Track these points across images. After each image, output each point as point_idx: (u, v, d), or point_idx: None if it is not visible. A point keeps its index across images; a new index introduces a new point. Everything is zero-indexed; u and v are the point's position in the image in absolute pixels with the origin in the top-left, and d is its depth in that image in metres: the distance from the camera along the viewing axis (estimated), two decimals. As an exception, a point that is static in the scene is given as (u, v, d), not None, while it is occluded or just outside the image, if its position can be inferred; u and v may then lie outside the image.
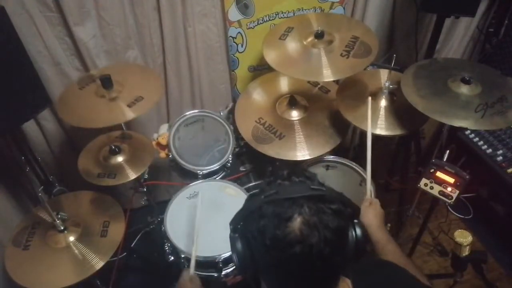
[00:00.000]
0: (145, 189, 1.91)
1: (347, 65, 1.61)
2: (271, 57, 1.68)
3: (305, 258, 0.67)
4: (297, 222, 0.67)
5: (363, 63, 1.61)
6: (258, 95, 1.96)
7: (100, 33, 1.77)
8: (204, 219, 1.57)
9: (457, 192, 1.48)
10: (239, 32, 1.98)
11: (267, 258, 0.71)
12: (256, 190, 0.75)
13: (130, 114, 1.51)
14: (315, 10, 2.06)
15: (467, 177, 1.49)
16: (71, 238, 1.50)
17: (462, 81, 1.50)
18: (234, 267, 1.49)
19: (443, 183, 1.51)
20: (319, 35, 1.69)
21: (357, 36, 1.70)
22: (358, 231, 0.75)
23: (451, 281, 1.71)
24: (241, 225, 0.76)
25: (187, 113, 1.84)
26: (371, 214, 1.28)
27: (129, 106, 1.53)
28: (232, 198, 1.70)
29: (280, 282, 0.74)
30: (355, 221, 0.76)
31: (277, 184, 0.74)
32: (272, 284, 0.77)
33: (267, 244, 0.69)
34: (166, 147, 1.84)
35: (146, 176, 1.87)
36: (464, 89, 1.48)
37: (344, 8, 2.11)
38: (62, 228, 1.50)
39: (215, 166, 1.85)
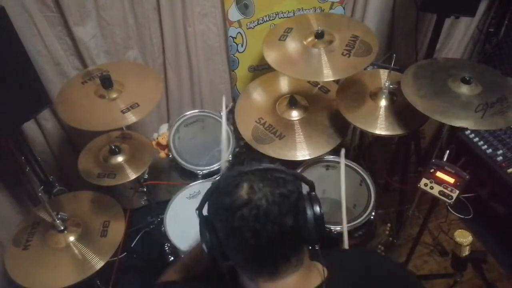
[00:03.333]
0: (145, 189, 1.91)
1: (348, 64, 1.61)
2: (271, 57, 1.68)
3: (255, 220, 0.70)
4: (244, 188, 0.72)
5: (364, 61, 1.61)
6: (258, 95, 1.96)
7: (100, 33, 1.77)
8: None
9: (457, 192, 1.48)
10: (239, 32, 1.98)
11: (223, 229, 0.74)
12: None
13: (131, 118, 1.51)
14: (315, 10, 2.06)
15: (467, 177, 1.48)
16: (71, 238, 1.50)
17: (462, 81, 1.50)
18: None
19: (443, 183, 1.51)
20: (319, 35, 1.68)
21: (356, 35, 1.70)
22: (315, 204, 0.76)
23: (451, 281, 1.71)
24: (201, 207, 0.79)
25: (187, 113, 1.84)
26: None
27: (123, 112, 1.52)
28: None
29: (240, 252, 0.75)
30: (313, 193, 0.78)
31: (234, 168, 0.78)
32: (235, 258, 0.78)
33: (219, 213, 0.74)
34: (166, 147, 1.84)
35: (146, 176, 1.87)
36: (464, 89, 1.48)
37: (344, 8, 2.11)
38: (62, 228, 1.49)
39: (215, 166, 1.85)
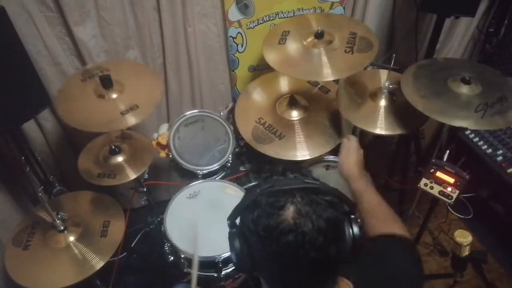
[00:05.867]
0: (145, 189, 1.90)
1: (351, 62, 1.61)
2: (271, 58, 1.67)
3: (299, 247, 0.67)
4: (290, 211, 0.68)
5: (368, 57, 1.61)
6: (258, 95, 1.96)
7: (100, 33, 1.77)
8: (203, 219, 1.57)
9: (457, 192, 1.48)
10: (239, 32, 1.98)
11: (262, 250, 0.71)
12: (253, 186, 0.76)
13: (130, 120, 1.50)
14: (315, 10, 2.06)
15: (467, 177, 1.49)
16: (71, 238, 1.50)
17: (462, 81, 1.50)
18: (233, 267, 1.49)
19: (443, 183, 1.51)
20: (319, 35, 1.68)
21: (354, 32, 1.71)
22: (355, 227, 0.74)
23: (451, 281, 1.71)
24: (238, 219, 0.76)
25: (187, 113, 1.84)
26: (351, 163, 1.24)
27: (122, 114, 1.51)
28: (232, 198, 1.70)
29: (276, 275, 0.74)
30: (352, 216, 0.75)
31: (273, 179, 0.75)
32: (270, 279, 0.77)
33: (261, 235, 0.69)
34: (166, 147, 1.84)
35: (146, 176, 1.87)
36: (464, 89, 1.48)
37: (344, 8, 2.11)
38: (62, 228, 1.50)
39: (215, 166, 1.85)
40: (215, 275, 1.51)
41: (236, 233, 0.76)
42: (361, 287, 0.80)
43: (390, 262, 0.91)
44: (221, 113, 1.89)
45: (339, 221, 0.72)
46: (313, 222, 0.67)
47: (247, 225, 0.72)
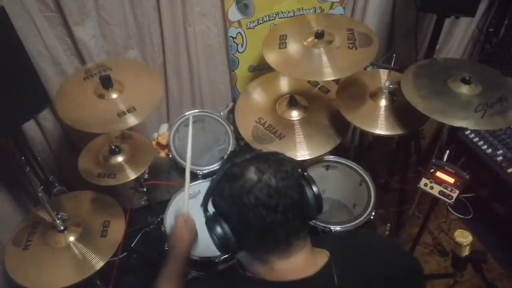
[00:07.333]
0: (145, 189, 1.91)
1: (354, 59, 1.61)
2: (271, 59, 1.67)
3: (269, 197, 0.76)
4: (251, 171, 0.78)
5: (372, 51, 1.62)
6: (258, 95, 1.96)
7: (100, 33, 1.77)
8: (203, 220, 1.57)
9: (457, 192, 1.48)
10: (239, 32, 1.98)
11: (237, 215, 0.78)
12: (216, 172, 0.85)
13: (130, 120, 1.49)
14: (315, 10, 2.06)
15: (467, 177, 1.48)
16: (71, 238, 1.51)
17: (462, 81, 1.50)
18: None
19: (443, 183, 1.51)
20: (319, 35, 1.69)
21: (351, 28, 1.71)
22: (312, 182, 0.85)
23: (451, 281, 1.71)
24: (210, 201, 0.84)
25: (187, 113, 1.84)
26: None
27: (119, 115, 1.50)
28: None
29: (257, 239, 0.80)
30: (305, 174, 0.85)
31: (230, 159, 0.84)
32: (252, 242, 0.82)
33: (232, 196, 0.78)
34: (166, 147, 1.84)
35: (146, 176, 1.87)
36: (464, 89, 1.48)
37: (344, 8, 2.11)
38: (62, 228, 1.50)
39: (215, 166, 1.85)
40: (215, 275, 1.51)
41: (211, 215, 0.83)
42: (335, 253, 0.86)
43: (360, 234, 1.07)
44: (221, 113, 1.89)
45: (296, 172, 0.82)
46: (272, 173, 0.78)
47: (219, 196, 0.81)
